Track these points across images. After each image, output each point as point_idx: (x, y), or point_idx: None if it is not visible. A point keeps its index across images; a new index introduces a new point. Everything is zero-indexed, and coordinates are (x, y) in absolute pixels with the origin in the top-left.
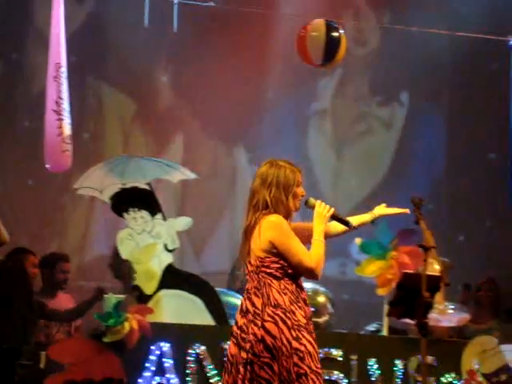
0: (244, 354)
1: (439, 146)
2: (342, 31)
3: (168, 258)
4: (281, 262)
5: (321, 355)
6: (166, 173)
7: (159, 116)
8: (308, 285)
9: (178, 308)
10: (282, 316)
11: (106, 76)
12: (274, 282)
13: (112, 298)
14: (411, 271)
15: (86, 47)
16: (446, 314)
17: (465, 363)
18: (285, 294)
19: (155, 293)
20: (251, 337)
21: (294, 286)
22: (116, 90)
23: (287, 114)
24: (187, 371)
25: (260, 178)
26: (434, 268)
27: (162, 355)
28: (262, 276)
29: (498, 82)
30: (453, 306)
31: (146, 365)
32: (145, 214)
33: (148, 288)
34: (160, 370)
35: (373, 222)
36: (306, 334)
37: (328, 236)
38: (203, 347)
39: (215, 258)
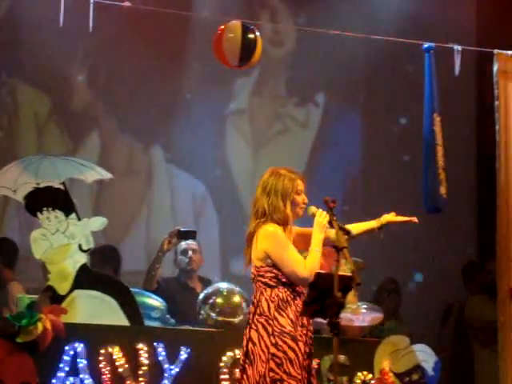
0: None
1: (354, 147)
2: (257, 33)
3: (82, 259)
4: (274, 271)
5: (236, 355)
6: (81, 172)
7: (75, 114)
8: (223, 285)
9: (92, 308)
10: (264, 323)
11: (20, 74)
12: (268, 290)
13: (25, 298)
14: (324, 271)
15: (0, 46)
16: (358, 314)
17: (377, 362)
18: (272, 301)
19: (69, 293)
20: (244, 343)
21: (287, 293)
22: (31, 88)
23: (205, 113)
24: (101, 371)
25: (261, 187)
26: (346, 268)
27: (75, 355)
28: (258, 285)
29: (412, 85)
30: (365, 306)
31: (60, 365)
32: (59, 213)
33: (62, 288)
34: (74, 371)
35: (380, 229)
36: (288, 340)
37: (330, 243)
38: (117, 347)
39: (131, 258)
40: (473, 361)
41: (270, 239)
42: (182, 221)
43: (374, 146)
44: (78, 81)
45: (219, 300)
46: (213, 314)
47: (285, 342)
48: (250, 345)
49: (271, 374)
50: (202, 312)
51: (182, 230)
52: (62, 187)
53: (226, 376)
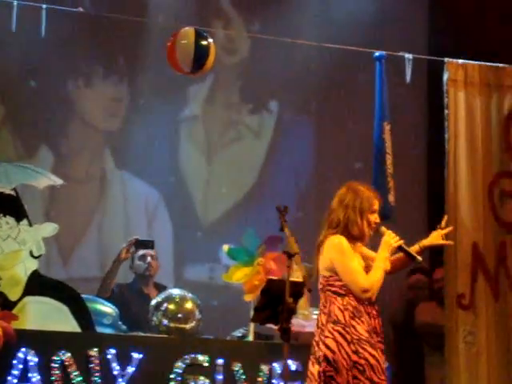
0: (318, 367)
1: (307, 155)
2: (210, 40)
3: (33, 265)
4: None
5: (186, 361)
6: (33, 178)
7: (28, 120)
8: (175, 291)
9: (44, 315)
10: (342, 331)
11: None
12: (338, 299)
13: None
14: (275, 277)
15: None
16: (310, 320)
17: None
18: (346, 309)
19: (20, 299)
20: (321, 352)
21: (359, 301)
22: None
23: (158, 120)
24: (52, 378)
25: (338, 198)
26: (297, 274)
27: (26, 362)
28: (327, 294)
29: (364, 93)
30: (317, 312)
31: (11, 371)
32: (10, 219)
33: (13, 294)
34: (24, 377)
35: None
36: (367, 348)
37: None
38: (69, 354)
39: (83, 264)
40: (423, 366)
41: (335, 248)
42: (134, 227)
43: (327, 153)
44: (30, 86)
45: (171, 306)
46: (165, 321)
47: (365, 350)
48: (330, 353)
49: (355, 381)
50: (154, 318)
51: (139, 239)
52: (13, 193)
53: (178, 382)
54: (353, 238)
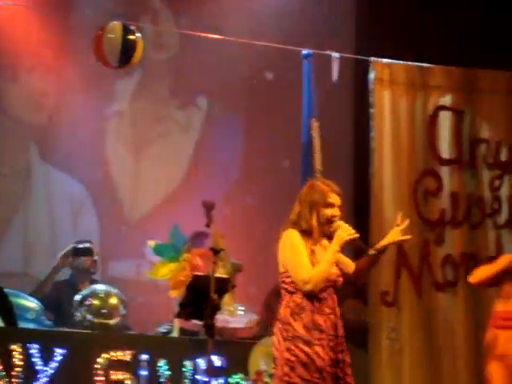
0: None
1: (236, 151)
2: (138, 34)
3: None
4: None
5: (111, 357)
6: None
7: None
8: (100, 287)
9: None
10: (281, 328)
11: None
12: (287, 296)
13: None
14: (201, 273)
15: None
16: (235, 316)
17: (252, 364)
18: (288, 307)
19: None
20: None
21: (305, 299)
22: None
23: (85, 114)
24: None
25: (298, 197)
26: (223, 270)
27: None
28: (282, 291)
29: (293, 90)
30: (242, 308)
31: None
32: None
33: None
34: None
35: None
36: (300, 345)
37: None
38: None
39: (7, 259)
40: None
41: (284, 242)
42: (60, 222)
43: (255, 150)
44: None
45: (96, 302)
46: (89, 316)
47: (297, 346)
48: (274, 349)
49: (286, 378)
50: (78, 314)
51: (77, 247)
52: None
53: (102, 378)
54: (305, 234)
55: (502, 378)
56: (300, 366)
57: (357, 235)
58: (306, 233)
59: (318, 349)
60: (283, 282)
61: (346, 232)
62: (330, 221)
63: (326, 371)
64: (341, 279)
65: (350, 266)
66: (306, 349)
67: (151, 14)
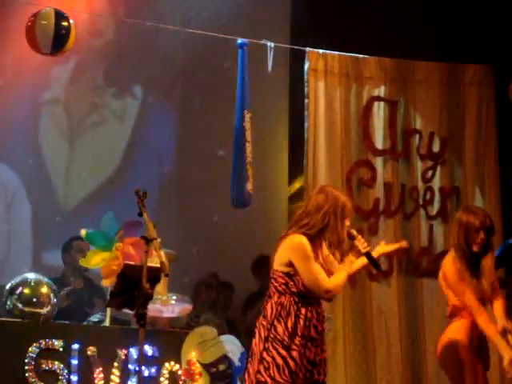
0: None
1: (171, 140)
2: (71, 21)
3: None
4: (286, 278)
5: (41, 346)
6: None
7: None
8: (31, 275)
9: None
10: (265, 326)
11: None
12: (276, 295)
13: None
14: (133, 262)
15: None
16: (168, 305)
17: (185, 353)
18: (275, 308)
19: None
20: None
21: (292, 303)
22: None
23: (18, 101)
24: None
25: (316, 203)
26: (156, 259)
27: None
28: (271, 287)
29: (228, 80)
30: (175, 297)
31: None
32: None
33: None
34: None
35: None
36: (278, 348)
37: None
38: None
39: None
40: None
41: (297, 249)
42: None
43: (190, 139)
44: None
45: (26, 290)
46: (19, 305)
47: (275, 349)
48: (253, 343)
49: (258, 375)
50: (9, 302)
51: None
52: None
53: (32, 367)
54: (313, 238)
55: None
56: (274, 368)
57: (369, 248)
58: (317, 238)
59: (295, 354)
60: (275, 279)
61: (362, 245)
62: (349, 234)
63: (299, 376)
64: None
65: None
66: (284, 352)
67: (86, 1)
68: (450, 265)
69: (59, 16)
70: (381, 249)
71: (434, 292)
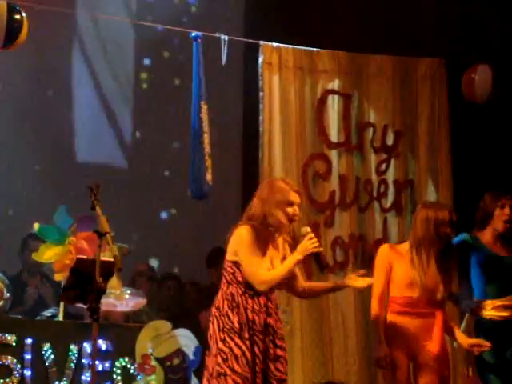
0: None
1: (125, 133)
2: (24, 14)
3: None
4: (234, 267)
5: None
6: None
7: None
8: None
9: None
10: (218, 318)
11: None
12: (225, 285)
13: None
14: (85, 256)
15: None
16: (122, 299)
17: (139, 347)
18: (226, 298)
19: None
20: None
21: (239, 293)
22: None
23: None
24: None
25: (257, 194)
26: (109, 253)
27: None
28: (223, 278)
29: (183, 72)
30: (129, 291)
31: None
32: None
33: None
34: None
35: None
36: (235, 338)
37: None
38: None
39: None
40: None
41: (240, 239)
42: None
43: (146, 131)
44: None
45: None
46: None
47: (231, 339)
48: (208, 336)
49: (217, 367)
50: None
51: None
52: None
53: None
54: (258, 229)
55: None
56: (233, 359)
57: (321, 249)
58: (261, 228)
59: (249, 344)
60: (225, 270)
61: (312, 244)
62: (291, 219)
63: (257, 366)
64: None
65: (300, 281)
66: (240, 342)
67: None
68: None
69: (12, 9)
70: (349, 282)
71: None
